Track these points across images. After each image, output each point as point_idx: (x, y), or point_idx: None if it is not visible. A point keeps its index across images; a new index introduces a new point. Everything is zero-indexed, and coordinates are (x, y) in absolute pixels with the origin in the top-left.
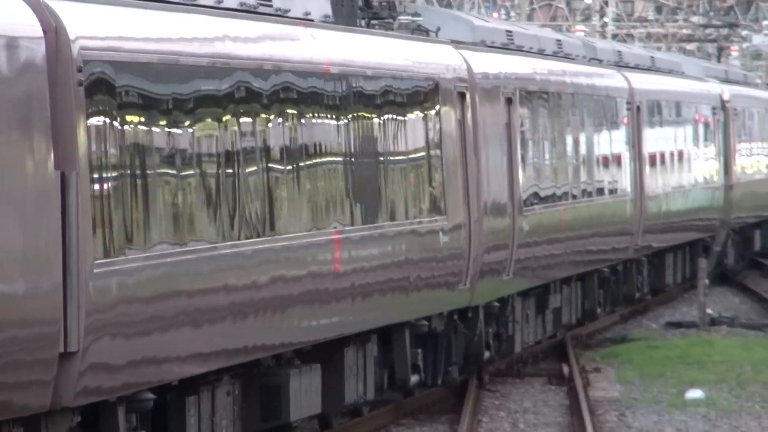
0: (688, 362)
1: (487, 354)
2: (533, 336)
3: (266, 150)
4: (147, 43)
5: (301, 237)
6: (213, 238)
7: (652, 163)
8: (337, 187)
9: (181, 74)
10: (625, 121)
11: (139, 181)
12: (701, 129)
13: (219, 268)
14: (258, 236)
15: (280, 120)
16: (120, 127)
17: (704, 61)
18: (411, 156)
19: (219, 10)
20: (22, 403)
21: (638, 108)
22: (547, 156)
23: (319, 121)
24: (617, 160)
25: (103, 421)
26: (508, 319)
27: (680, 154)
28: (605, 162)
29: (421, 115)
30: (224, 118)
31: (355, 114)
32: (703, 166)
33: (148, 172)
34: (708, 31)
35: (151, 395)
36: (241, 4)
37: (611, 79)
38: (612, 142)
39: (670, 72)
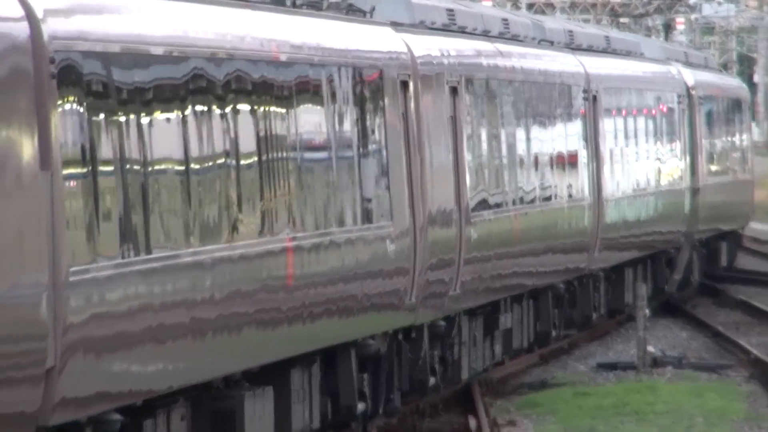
0: (624, 413)
1: (432, 380)
2: (482, 362)
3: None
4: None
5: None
6: (172, 244)
7: (612, 161)
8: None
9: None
10: (582, 111)
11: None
12: (664, 121)
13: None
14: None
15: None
16: (93, 122)
17: (663, 41)
18: (356, 153)
19: None
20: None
21: (594, 97)
22: (496, 153)
23: (257, 114)
24: (572, 158)
25: None
26: (454, 341)
27: (643, 150)
28: (560, 161)
29: (367, 107)
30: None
31: (301, 107)
32: (666, 166)
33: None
34: None
35: (119, 416)
36: None
37: (565, 64)
38: (568, 137)
39: (628, 54)
